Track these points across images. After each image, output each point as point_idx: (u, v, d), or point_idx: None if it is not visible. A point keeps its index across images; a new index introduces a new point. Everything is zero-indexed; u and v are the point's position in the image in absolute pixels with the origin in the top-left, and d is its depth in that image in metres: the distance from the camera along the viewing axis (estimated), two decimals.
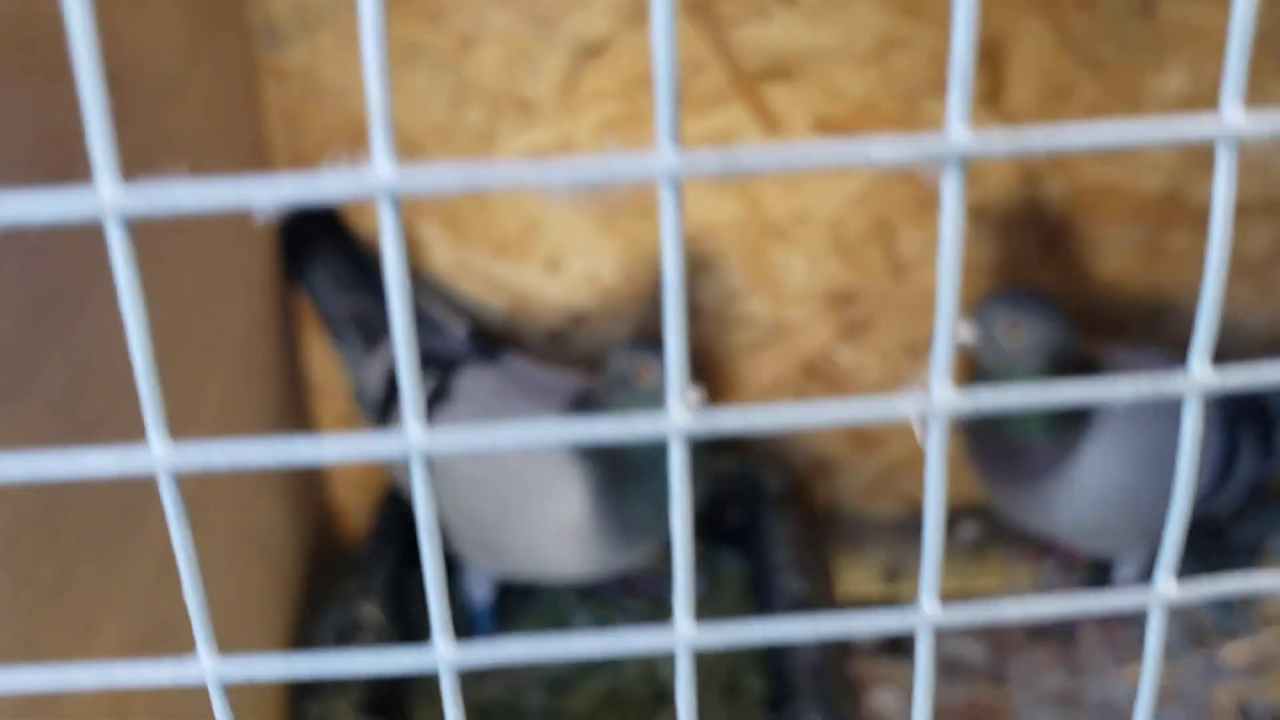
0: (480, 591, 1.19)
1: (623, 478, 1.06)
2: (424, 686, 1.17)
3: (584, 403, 1.09)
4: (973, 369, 1.13)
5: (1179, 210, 1.24)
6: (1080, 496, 1.10)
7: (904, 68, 1.17)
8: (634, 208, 1.21)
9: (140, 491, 0.72)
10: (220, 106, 1.06)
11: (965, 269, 1.25)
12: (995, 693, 1.17)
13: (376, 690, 1.07)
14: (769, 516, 1.23)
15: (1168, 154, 1.22)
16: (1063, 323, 1.07)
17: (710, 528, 1.30)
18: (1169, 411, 1.12)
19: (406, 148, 1.18)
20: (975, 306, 1.09)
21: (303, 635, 1.17)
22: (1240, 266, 1.28)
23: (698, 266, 1.24)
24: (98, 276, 0.74)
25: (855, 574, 1.32)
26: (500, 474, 1.08)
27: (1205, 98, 1.19)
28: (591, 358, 1.27)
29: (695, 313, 1.27)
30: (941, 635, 1.24)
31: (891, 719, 1.15)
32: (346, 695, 1.05)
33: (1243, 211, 1.25)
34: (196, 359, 0.96)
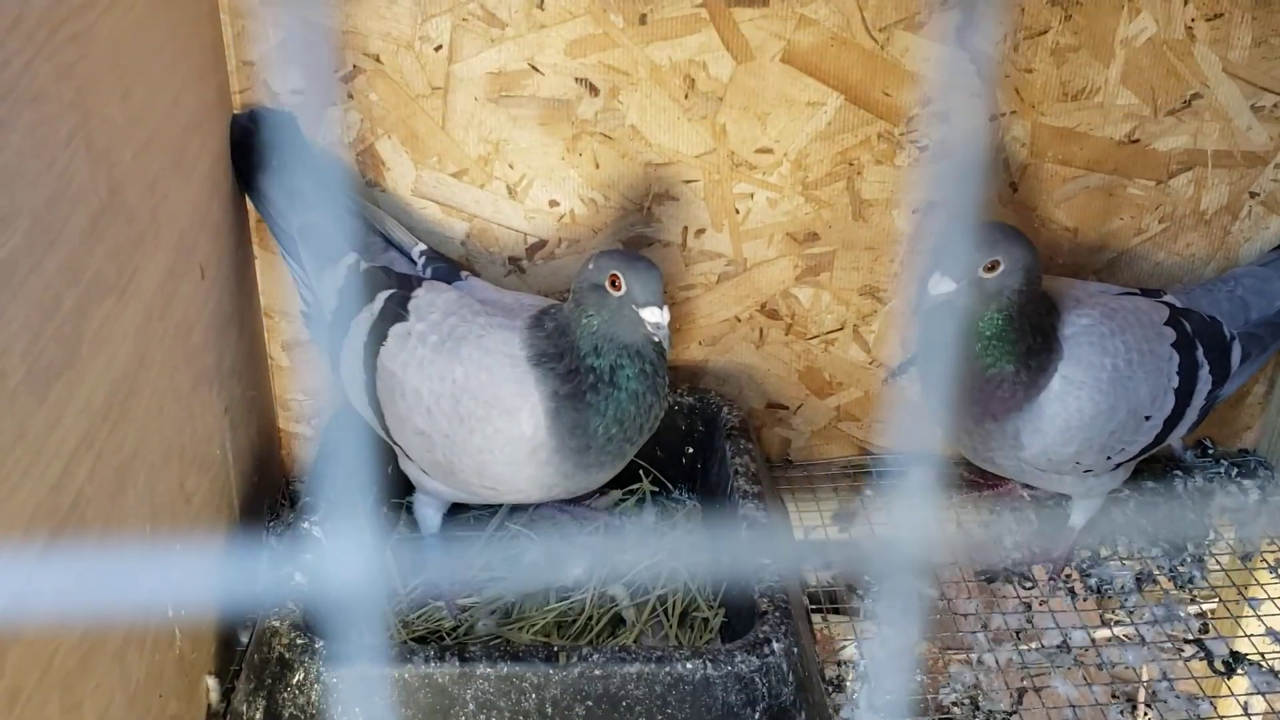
0: (430, 515, 1.15)
1: (584, 392, 1.03)
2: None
3: (549, 318, 1.06)
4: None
5: (1141, 159, 1.25)
6: (1050, 427, 1.10)
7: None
8: (600, 131, 1.19)
9: None
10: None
11: (930, 209, 1.24)
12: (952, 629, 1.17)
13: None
14: (727, 449, 1.20)
15: (1134, 102, 1.22)
16: (1030, 246, 1.07)
17: (666, 467, 1.28)
18: (1125, 339, 1.13)
19: (366, 60, 1.15)
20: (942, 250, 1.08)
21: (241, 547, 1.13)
22: (1196, 220, 1.29)
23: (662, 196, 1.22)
24: None
25: (808, 517, 1.31)
26: (458, 389, 1.05)
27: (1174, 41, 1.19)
28: (548, 288, 1.24)
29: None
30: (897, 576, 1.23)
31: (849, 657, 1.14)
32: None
33: (1200, 165, 1.25)
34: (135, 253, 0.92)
